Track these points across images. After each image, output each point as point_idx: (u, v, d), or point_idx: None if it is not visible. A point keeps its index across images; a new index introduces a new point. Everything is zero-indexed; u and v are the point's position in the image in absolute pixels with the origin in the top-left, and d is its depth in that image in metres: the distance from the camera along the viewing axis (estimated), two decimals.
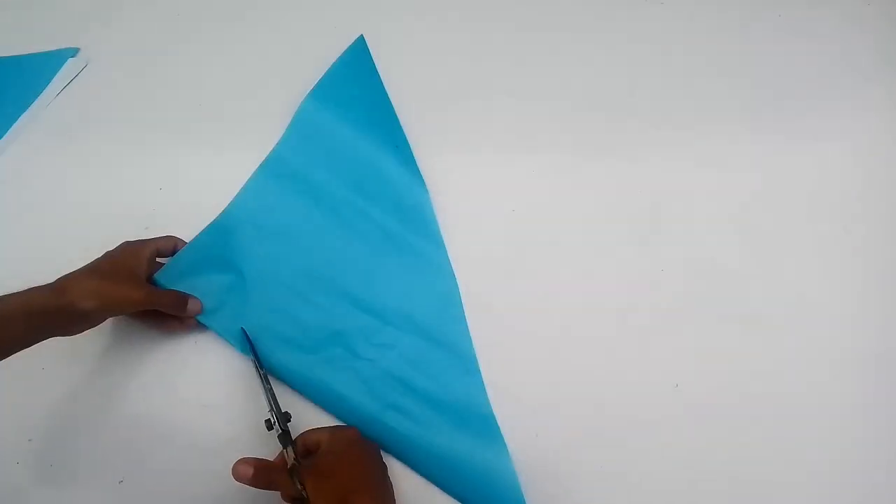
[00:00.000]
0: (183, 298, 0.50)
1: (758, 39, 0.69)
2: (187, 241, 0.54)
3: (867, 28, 0.69)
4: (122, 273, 0.47)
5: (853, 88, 0.66)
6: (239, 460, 0.40)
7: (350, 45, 0.68)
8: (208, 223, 0.56)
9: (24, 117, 0.68)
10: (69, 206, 0.61)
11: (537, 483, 0.47)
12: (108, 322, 0.53)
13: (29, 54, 0.73)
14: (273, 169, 0.60)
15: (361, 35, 0.69)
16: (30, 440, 0.50)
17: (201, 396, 0.46)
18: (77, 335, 0.46)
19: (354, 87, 0.65)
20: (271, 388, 0.47)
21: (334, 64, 0.66)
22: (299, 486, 0.40)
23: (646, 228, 0.58)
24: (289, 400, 0.49)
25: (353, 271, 0.55)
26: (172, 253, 0.52)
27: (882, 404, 0.50)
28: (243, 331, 0.51)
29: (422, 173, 0.60)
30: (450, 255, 0.56)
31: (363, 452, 0.44)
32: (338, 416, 0.49)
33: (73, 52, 0.73)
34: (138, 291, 0.47)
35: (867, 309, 0.54)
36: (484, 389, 0.50)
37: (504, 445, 0.47)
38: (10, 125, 0.67)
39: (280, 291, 0.54)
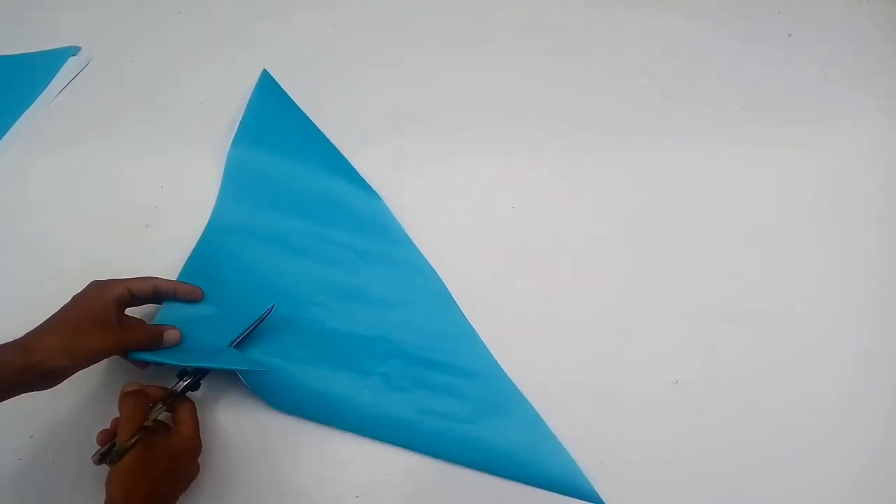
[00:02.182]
0: (157, 331, 0.48)
1: (759, 39, 0.69)
2: (177, 243, 0.54)
3: (867, 29, 0.70)
4: (90, 321, 0.44)
5: (854, 89, 0.65)
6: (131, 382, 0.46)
7: (256, 83, 0.66)
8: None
9: (26, 116, 0.68)
10: (70, 205, 0.62)
11: None
12: None
13: (30, 53, 0.73)
14: (220, 223, 0.58)
15: (264, 69, 0.67)
16: (31, 436, 0.50)
17: (201, 393, 0.46)
18: None
19: (274, 121, 0.63)
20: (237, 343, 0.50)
21: (247, 106, 0.64)
22: (130, 443, 0.42)
23: (646, 226, 0.58)
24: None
25: (334, 296, 0.54)
26: (151, 294, 0.49)
27: (880, 402, 0.50)
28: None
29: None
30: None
31: (181, 479, 0.45)
32: (370, 436, 0.49)
33: (75, 50, 0.73)
34: (107, 338, 0.44)
35: (867, 307, 0.54)
36: (500, 368, 0.51)
37: (537, 415, 0.49)
38: (12, 124, 0.67)
39: (268, 340, 0.52)
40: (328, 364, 0.51)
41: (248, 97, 0.65)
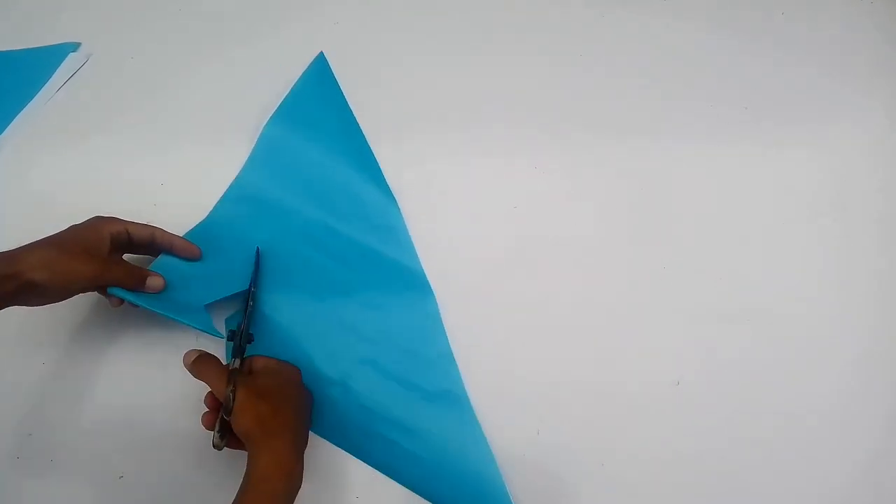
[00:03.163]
0: (141, 273, 0.47)
1: (760, 39, 0.69)
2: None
3: (868, 29, 0.70)
4: (79, 246, 0.45)
5: (854, 89, 0.66)
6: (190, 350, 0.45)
7: (310, 64, 0.66)
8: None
9: (25, 112, 0.68)
10: (70, 202, 0.61)
11: (538, 479, 0.47)
12: (109, 317, 0.53)
13: (30, 48, 0.73)
14: (239, 192, 0.59)
15: (321, 52, 0.67)
16: (30, 434, 0.50)
17: (202, 393, 0.46)
18: (79, 331, 0.46)
19: (317, 106, 0.63)
20: (251, 311, 0.51)
21: (296, 84, 0.64)
22: (230, 390, 0.42)
23: (647, 226, 0.58)
24: None
25: (328, 291, 0.54)
26: (149, 242, 0.50)
27: (881, 402, 0.50)
28: (257, 251, 0.54)
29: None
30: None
31: (299, 393, 0.46)
32: (323, 436, 0.49)
33: (75, 46, 0.72)
34: (91, 266, 0.44)
35: (867, 307, 0.54)
36: (469, 405, 0.50)
37: (491, 455, 0.47)
38: (10, 120, 0.67)
39: (255, 314, 0.52)
40: (302, 358, 0.51)
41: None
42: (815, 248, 0.57)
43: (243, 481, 0.40)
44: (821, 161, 0.61)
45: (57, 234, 0.46)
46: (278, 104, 0.63)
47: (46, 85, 0.69)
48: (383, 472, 0.48)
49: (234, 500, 0.38)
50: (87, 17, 0.76)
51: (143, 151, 0.64)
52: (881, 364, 0.51)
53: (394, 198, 0.58)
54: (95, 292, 0.49)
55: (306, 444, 0.44)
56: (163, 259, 0.51)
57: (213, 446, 0.42)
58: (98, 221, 0.48)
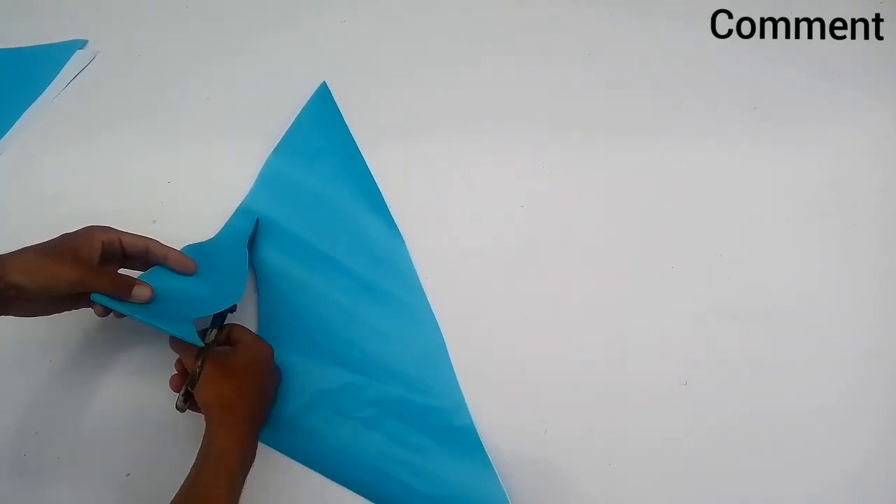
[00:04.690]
0: (128, 282, 0.45)
1: (765, 39, 0.69)
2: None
3: (871, 28, 0.69)
4: (67, 253, 0.44)
5: (857, 89, 0.65)
6: None
7: (313, 94, 0.65)
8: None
9: (32, 110, 0.68)
10: (77, 199, 0.61)
11: (545, 478, 0.47)
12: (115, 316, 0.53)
13: (36, 46, 0.73)
14: (241, 223, 0.57)
15: (324, 82, 0.66)
16: (37, 433, 0.50)
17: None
18: (86, 330, 0.46)
19: (320, 137, 0.63)
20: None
21: (298, 115, 0.63)
22: (198, 365, 0.44)
23: (655, 226, 0.58)
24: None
25: (332, 328, 0.54)
26: (143, 253, 0.48)
27: (889, 400, 0.50)
28: (256, 220, 0.55)
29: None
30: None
31: (266, 371, 0.48)
32: (331, 477, 0.48)
33: (81, 43, 0.72)
34: (75, 270, 0.43)
35: (878, 307, 0.54)
36: (478, 438, 0.49)
37: (503, 491, 0.47)
38: (17, 118, 0.67)
39: None
40: (308, 398, 0.51)
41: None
42: (822, 248, 0.56)
43: (199, 454, 0.42)
44: (826, 161, 0.61)
45: (49, 240, 0.45)
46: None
47: (53, 82, 0.69)
48: None
49: (190, 473, 0.41)
50: (94, 15, 0.76)
51: (149, 150, 0.64)
52: (888, 363, 0.51)
53: (398, 229, 0.58)
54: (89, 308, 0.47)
55: (265, 422, 0.48)
56: (155, 270, 0.49)
57: (176, 408, 0.45)
58: (90, 229, 0.46)
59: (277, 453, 0.49)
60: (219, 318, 0.49)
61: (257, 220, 0.56)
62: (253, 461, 0.44)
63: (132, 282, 0.46)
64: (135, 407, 0.51)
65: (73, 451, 0.49)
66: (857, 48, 0.68)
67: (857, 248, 0.56)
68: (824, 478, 0.47)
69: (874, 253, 0.56)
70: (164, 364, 0.51)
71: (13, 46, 0.73)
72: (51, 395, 0.51)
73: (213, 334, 0.47)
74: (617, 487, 0.47)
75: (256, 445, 0.45)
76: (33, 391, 0.51)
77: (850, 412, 0.49)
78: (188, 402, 0.45)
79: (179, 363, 0.47)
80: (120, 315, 0.46)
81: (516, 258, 0.56)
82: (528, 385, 0.50)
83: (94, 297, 0.44)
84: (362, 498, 0.48)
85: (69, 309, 0.46)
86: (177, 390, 0.46)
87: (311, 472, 0.49)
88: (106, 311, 0.46)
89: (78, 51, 0.72)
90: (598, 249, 0.57)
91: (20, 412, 0.50)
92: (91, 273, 0.44)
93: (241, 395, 0.44)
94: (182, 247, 0.52)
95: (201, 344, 0.46)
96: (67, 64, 0.70)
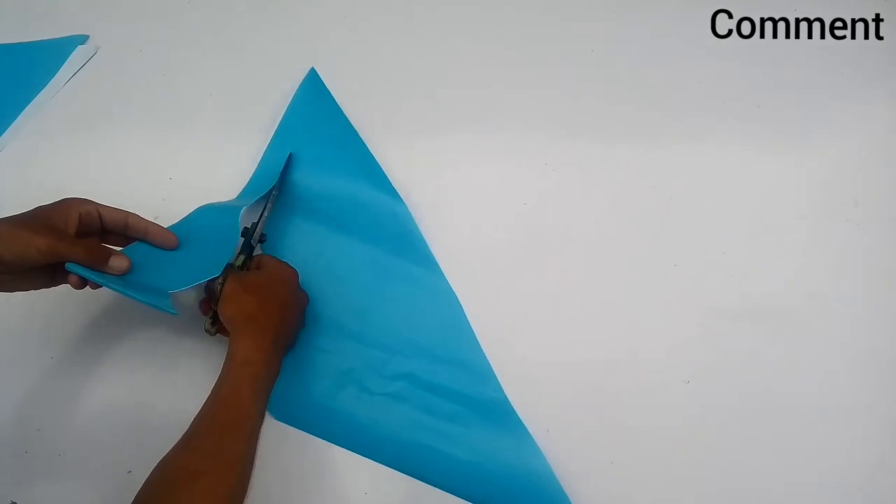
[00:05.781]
0: (104, 251, 0.44)
1: (773, 37, 0.69)
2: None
3: (881, 25, 0.69)
4: (42, 222, 0.42)
5: (864, 84, 0.65)
6: None
7: (303, 81, 0.65)
8: None
9: (33, 105, 0.68)
10: (79, 194, 0.60)
11: None
12: (118, 311, 0.53)
13: (38, 41, 0.73)
14: (238, 208, 0.56)
15: (312, 68, 0.66)
16: (38, 429, 0.50)
17: (210, 387, 0.46)
18: (88, 325, 0.46)
19: (314, 122, 0.63)
20: (269, 212, 0.54)
21: (290, 104, 0.63)
22: (220, 281, 0.46)
23: (658, 224, 0.58)
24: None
25: (350, 307, 0.54)
26: (122, 226, 0.47)
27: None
28: (289, 156, 0.57)
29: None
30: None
31: (290, 292, 0.50)
32: (366, 455, 0.48)
33: (83, 39, 0.72)
34: (48, 238, 0.41)
35: (881, 305, 0.53)
36: (506, 398, 0.49)
37: (537, 449, 0.47)
38: (19, 113, 0.67)
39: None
40: (333, 378, 0.51)
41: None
42: (826, 247, 0.56)
43: (224, 366, 0.43)
44: (827, 160, 0.60)
45: (23, 212, 0.44)
46: (284, 100, 0.63)
47: (55, 78, 0.70)
48: (433, 485, 0.47)
49: (217, 382, 0.42)
50: (95, 10, 0.76)
51: (151, 145, 0.64)
52: (893, 361, 0.51)
53: (405, 204, 0.57)
54: (69, 285, 0.45)
55: (293, 344, 0.50)
56: (136, 245, 0.48)
57: (205, 331, 0.46)
58: (67, 200, 0.45)
59: (308, 436, 0.49)
60: (248, 247, 0.50)
61: (290, 155, 0.58)
62: (278, 375, 0.47)
63: (109, 251, 0.44)
64: (137, 404, 0.50)
65: (75, 447, 0.49)
66: (857, 48, 0.67)
67: (859, 247, 0.56)
68: (828, 477, 0.47)
69: (876, 251, 0.56)
70: (167, 361, 0.51)
71: (15, 41, 0.73)
72: (52, 392, 0.51)
73: (240, 259, 0.49)
74: (620, 486, 0.47)
75: (281, 359, 0.46)
76: (35, 388, 0.51)
77: (858, 412, 0.49)
78: (216, 324, 0.46)
79: (210, 289, 0.48)
80: (96, 286, 0.44)
81: (518, 257, 0.56)
82: (530, 383, 0.50)
83: (69, 266, 0.43)
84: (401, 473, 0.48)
85: (47, 285, 0.44)
86: (206, 314, 0.47)
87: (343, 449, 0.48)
88: (82, 283, 0.44)
89: (80, 46, 0.72)
90: (600, 248, 0.56)
91: (22, 409, 0.50)
92: (65, 241, 0.42)
93: (262, 309, 0.46)
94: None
95: (177, 314, 0.45)
96: (69, 59, 0.71)
